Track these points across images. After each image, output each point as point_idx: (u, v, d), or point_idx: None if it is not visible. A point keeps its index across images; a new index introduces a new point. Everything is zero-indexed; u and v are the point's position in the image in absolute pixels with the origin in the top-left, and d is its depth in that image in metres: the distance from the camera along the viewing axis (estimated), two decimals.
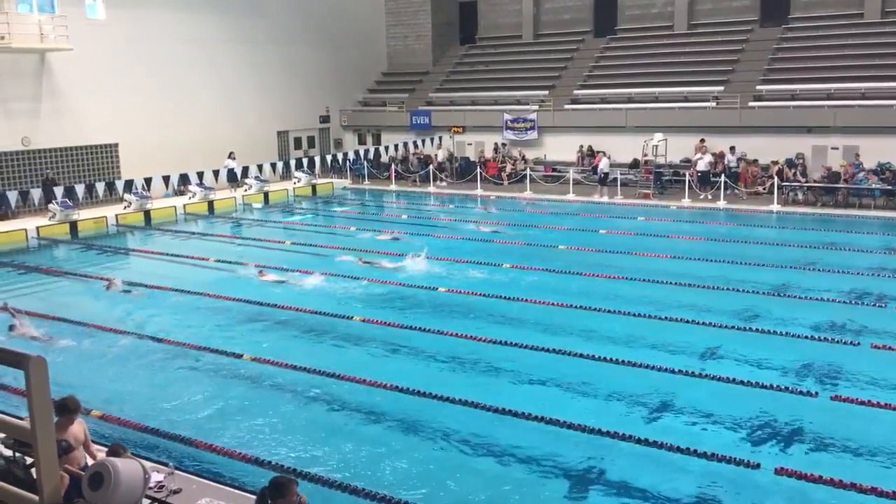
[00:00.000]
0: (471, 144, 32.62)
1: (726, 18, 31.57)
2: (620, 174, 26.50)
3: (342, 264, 17.58)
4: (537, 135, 30.64)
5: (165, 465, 7.42)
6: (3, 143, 24.00)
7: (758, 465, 8.12)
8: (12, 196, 22.09)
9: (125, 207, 24.66)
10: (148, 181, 24.90)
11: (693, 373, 10.62)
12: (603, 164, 26.90)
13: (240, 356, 11.69)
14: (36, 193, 22.76)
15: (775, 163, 24.72)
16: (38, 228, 22.15)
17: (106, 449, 6.82)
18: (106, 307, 14.82)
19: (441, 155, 31.73)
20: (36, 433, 2.99)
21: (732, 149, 26.24)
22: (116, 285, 16.03)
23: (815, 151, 25.12)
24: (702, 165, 25.64)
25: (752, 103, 27.00)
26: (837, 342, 11.81)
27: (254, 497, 6.94)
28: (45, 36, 24.20)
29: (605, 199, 25.88)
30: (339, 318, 13.54)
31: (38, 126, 24.77)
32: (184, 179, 26.07)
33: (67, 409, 6.71)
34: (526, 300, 14.23)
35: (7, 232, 21.57)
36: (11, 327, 13.20)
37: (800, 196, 23.87)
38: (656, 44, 32.17)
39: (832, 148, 25.10)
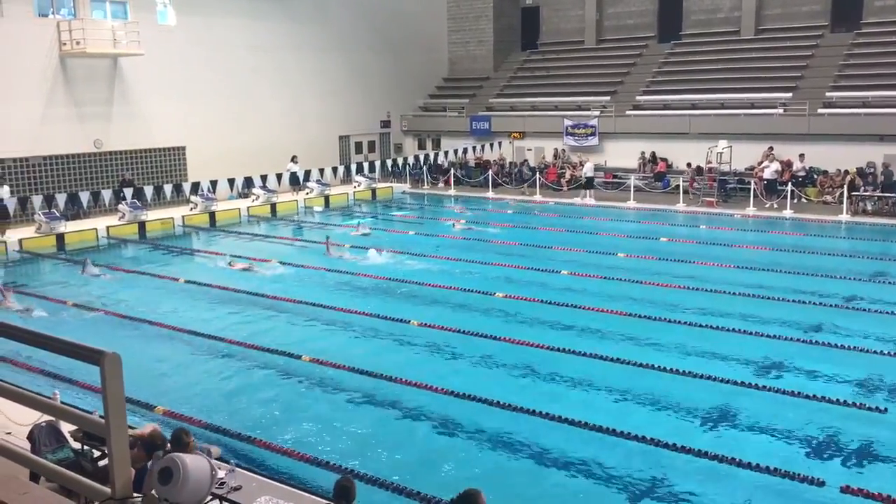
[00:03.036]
0: (530, 150, 32.49)
1: (795, 24, 30.77)
2: (682, 181, 26.09)
3: (395, 266, 17.73)
4: (598, 141, 30.36)
5: (226, 462, 7.54)
6: (77, 145, 24.88)
7: (822, 483, 7.89)
8: (84, 196, 22.86)
9: (191, 209, 25.32)
10: (213, 183, 25.46)
11: (757, 385, 10.38)
12: (587, 169, 27.56)
13: (298, 357, 11.86)
14: (107, 194, 23.50)
15: (846, 172, 24.07)
16: (107, 228, 22.90)
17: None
18: (169, 304, 15.23)
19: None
20: (110, 428, 3.08)
21: (802, 156, 25.61)
22: (89, 269, 17.65)
23: (887, 160, 24.32)
24: (768, 173, 25.08)
25: (821, 110, 26.27)
26: None
27: (312, 496, 7.06)
28: (118, 41, 25.00)
29: (588, 201, 26.46)
30: (396, 321, 13.61)
31: (109, 129, 25.60)
32: (248, 182, 26.59)
33: (181, 442, 6.28)
34: (583, 307, 14.09)
35: (79, 231, 22.35)
36: None
37: (869, 207, 23.13)
38: (722, 49, 31.56)
39: None
